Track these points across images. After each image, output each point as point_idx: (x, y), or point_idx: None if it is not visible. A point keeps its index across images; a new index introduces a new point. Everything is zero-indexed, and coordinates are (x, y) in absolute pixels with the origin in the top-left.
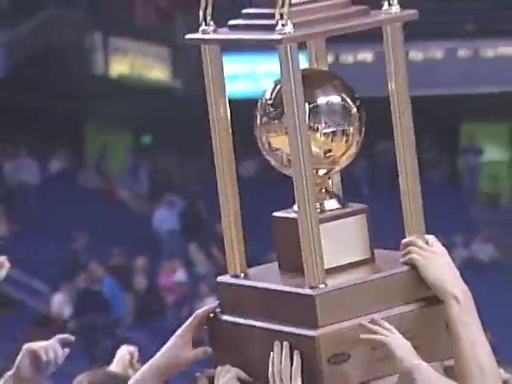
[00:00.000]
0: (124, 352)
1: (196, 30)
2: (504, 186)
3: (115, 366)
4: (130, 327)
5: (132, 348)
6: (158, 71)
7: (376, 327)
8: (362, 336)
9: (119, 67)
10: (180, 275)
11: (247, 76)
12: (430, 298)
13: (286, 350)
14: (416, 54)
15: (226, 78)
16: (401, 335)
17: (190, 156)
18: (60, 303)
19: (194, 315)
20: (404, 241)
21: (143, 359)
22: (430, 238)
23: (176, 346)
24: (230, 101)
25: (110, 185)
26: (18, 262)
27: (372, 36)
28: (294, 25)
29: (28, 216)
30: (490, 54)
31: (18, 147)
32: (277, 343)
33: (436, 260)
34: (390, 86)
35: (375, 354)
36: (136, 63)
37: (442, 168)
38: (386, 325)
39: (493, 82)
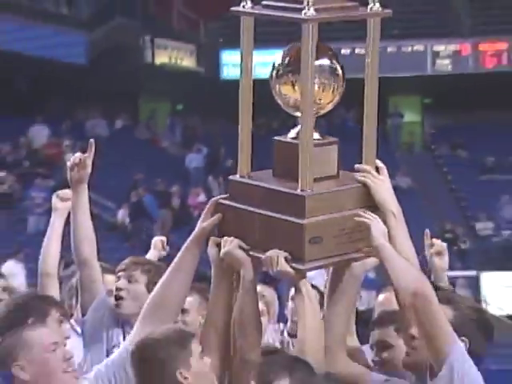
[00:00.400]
0: (156, 240)
1: (214, 35)
2: (417, 139)
3: (152, 250)
4: (168, 231)
5: (161, 237)
6: (187, 61)
7: (365, 214)
8: (356, 218)
9: (161, 58)
10: (202, 197)
11: None
12: (374, 206)
13: (282, 255)
14: (359, 50)
15: (233, 65)
16: (382, 223)
17: (210, 118)
18: (122, 216)
19: (210, 201)
20: (363, 166)
21: (177, 251)
22: (379, 163)
23: (201, 220)
24: (233, 81)
25: (156, 137)
26: (96, 188)
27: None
28: (315, 10)
29: (101, 159)
30: (409, 50)
31: (94, 112)
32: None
33: (382, 186)
34: (366, 62)
35: (337, 240)
36: (173, 55)
37: (377, 127)
38: (372, 214)
39: (410, 69)
